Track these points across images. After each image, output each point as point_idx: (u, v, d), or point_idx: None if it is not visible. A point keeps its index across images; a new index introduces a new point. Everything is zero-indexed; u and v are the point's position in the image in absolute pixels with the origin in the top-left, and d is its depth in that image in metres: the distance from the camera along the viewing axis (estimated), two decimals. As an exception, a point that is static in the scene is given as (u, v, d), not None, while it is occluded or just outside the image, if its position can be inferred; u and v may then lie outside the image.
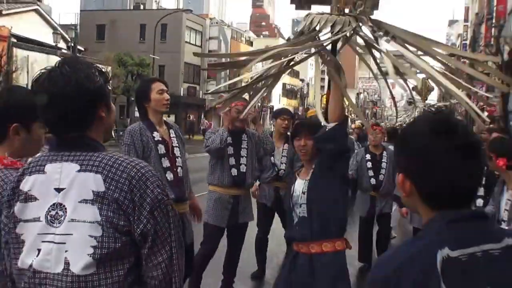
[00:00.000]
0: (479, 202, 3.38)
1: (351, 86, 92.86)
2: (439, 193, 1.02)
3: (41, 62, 21.85)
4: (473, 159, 1.02)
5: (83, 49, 26.13)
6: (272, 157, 4.51)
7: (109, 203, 1.21)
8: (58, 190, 1.23)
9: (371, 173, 5.02)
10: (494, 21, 20.62)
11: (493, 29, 18.34)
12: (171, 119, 32.61)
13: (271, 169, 4.52)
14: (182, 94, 34.98)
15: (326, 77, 2.64)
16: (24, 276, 1.23)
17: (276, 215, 4.65)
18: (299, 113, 63.11)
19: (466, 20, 42.64)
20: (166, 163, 3.07)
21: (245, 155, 3.90)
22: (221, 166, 3.81)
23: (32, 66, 21.25)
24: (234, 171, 3.83)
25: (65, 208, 1.21)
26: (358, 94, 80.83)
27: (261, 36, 47.77)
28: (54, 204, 1.22)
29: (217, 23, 40.92)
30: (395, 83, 1.97)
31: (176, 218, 1.34)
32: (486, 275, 0.96)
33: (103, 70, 1.39)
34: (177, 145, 3.20)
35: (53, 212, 1.22)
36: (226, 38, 40.70)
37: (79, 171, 1.23)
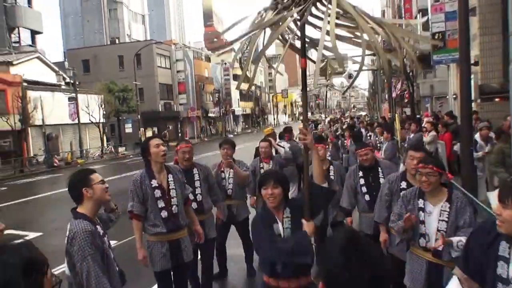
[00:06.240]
0: None
1: (295, 83, 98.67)
2: None
3: (49, 99, 27.18)
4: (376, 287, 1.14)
5: (78, 83, 30.09)
6: (223, 180, 5.31)
7: (67, 249, 2.56)
8: None
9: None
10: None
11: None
12: (155, 130, 38.04)
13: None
14: (160, 110, 40.60)
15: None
16: None
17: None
18: (256, 113, 67.39)
19: (384, 21, 50.18)
20: (161, 204, 3.85)
21: (199, 186, 4.63)
22: None
23: (42, 103, 25.74)
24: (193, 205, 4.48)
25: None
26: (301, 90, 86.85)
27: (216, 52, 54.19)
28: None
29: (180, 47, 45.11)
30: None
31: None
32: None
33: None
34: (173, 187, 3.92)
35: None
36: (190, 58, 45.68)
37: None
